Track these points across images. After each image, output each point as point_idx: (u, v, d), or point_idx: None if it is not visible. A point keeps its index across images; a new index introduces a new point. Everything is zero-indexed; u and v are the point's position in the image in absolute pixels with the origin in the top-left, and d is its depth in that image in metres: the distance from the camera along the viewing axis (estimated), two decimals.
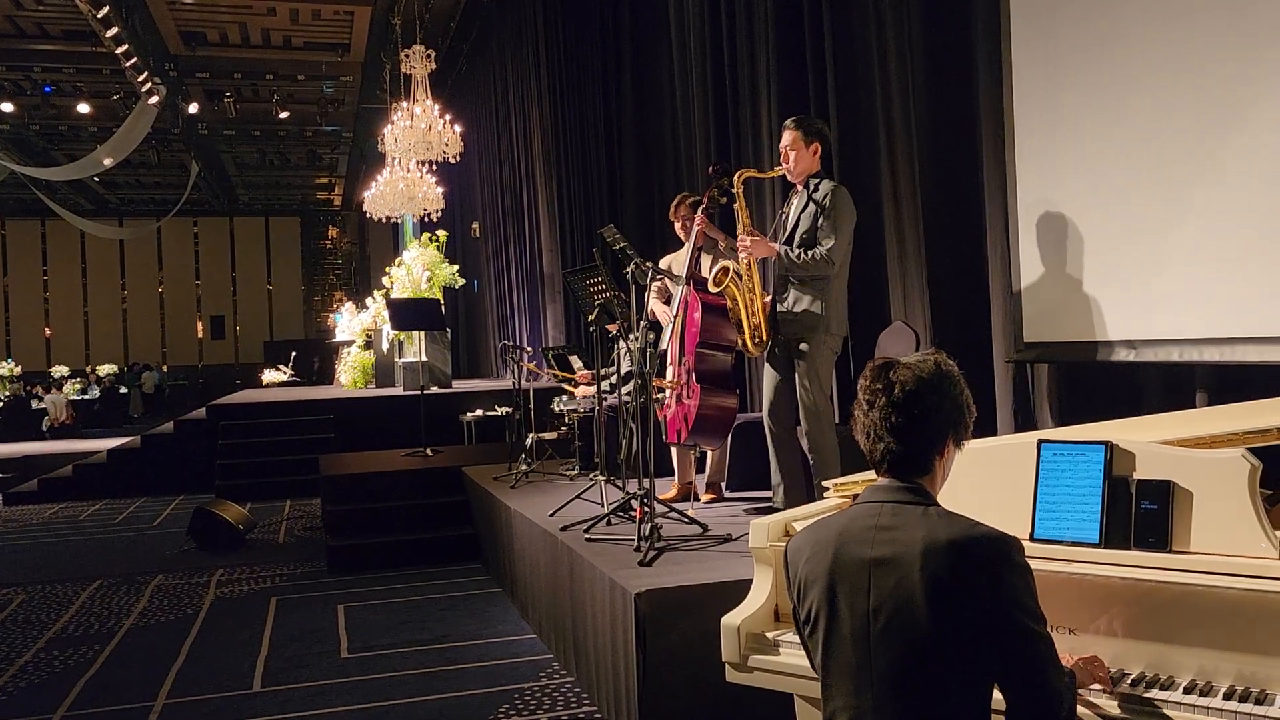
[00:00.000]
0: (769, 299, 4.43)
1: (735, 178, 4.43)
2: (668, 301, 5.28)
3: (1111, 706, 1.94)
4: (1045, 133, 4.10)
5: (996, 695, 1.77)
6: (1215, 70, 3.38)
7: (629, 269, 4.58)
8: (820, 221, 4.25)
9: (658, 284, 5.27)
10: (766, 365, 4.50)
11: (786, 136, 4.34)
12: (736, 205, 4.44)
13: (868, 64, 5.38)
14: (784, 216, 4.46)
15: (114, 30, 13.62)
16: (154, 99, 16.02)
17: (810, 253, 4.22)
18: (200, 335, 31.33)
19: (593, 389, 6.90)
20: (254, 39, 16.70)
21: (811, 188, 4.34)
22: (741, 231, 4.39)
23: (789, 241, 4.35)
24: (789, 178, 4.43)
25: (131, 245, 29.95)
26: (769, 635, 2.41)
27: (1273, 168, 3.19)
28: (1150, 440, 2.18)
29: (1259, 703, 1.83)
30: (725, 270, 4.36)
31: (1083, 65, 3.91)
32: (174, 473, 10.54)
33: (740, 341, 4.44)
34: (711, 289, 4.45)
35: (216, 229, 31.55)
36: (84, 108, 18.47)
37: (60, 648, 4.98)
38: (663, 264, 5.30)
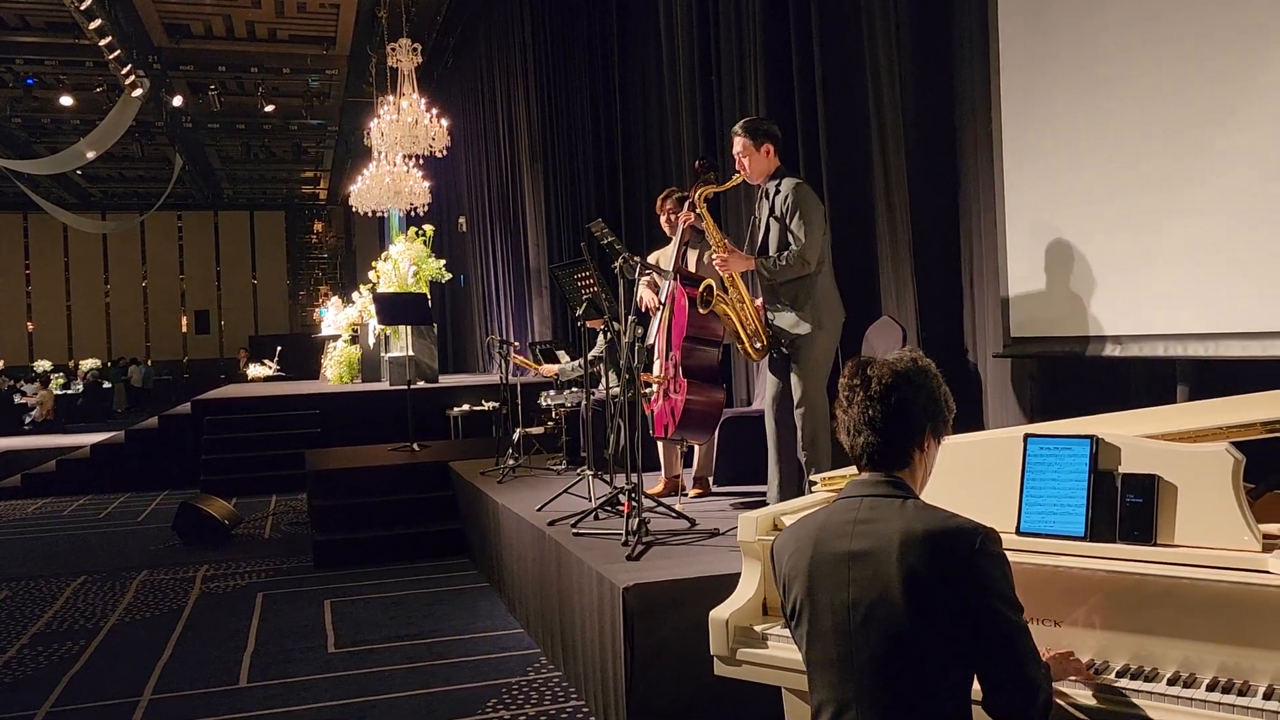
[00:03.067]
0: (759, 301, 4.43)
1: (697, 196, 4.46)
2: (657, 292, 5.28)
3: (1085, 696, 1.96)
4: (1033, 130, 4.13)
5: (977, 685, 1.79)
6: (1203, 67, 3.40)
7: (616, 264, 4.58)
8: (788, 222, 4.25)
9: (646, 277, 5.28)
10: (767, 364, 4.50)
11: (737, 144, 4.36)
12: (704, 224, 4.46)
13: (857, 61, 5.39)
14: (755, 221, 4.47)
15: (97, 22, 13.52)
16: (137, 92, 15.91)
17: (784, 255, 4.22)
18: (185, 330, 31.15)
19: (553, 369, 6.94)
20: (239, 32, 16.59)
21: (773, 190, 4.35)
22: (715, 249, 4.39)
23: (764, 248, 4.36)
24: (749, 182, 4.45)
25: (115, 239, 29.72)
26: (757, 629, 2.42)
27: (1258, 164, 3.22)
28: (1135, 434, 2.20)
29: (1241, 694, 1.85)
30: (710, 289, 4.36)
31: (1071, 63, 3.93)
32: (159, 468, 10.48)
33: (743, 351, 4.43)
34: (701, 311, 4.43)
35: (201, 223, 31.35)
36: (67, 100, 18.32)
37: (45, 643, 4.95)
38: (650, 259, 5.30)
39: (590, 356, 5.49)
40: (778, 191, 4.32)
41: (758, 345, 4.35)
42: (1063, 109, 3.97)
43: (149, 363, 28.64)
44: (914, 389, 1.87)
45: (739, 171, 4.39)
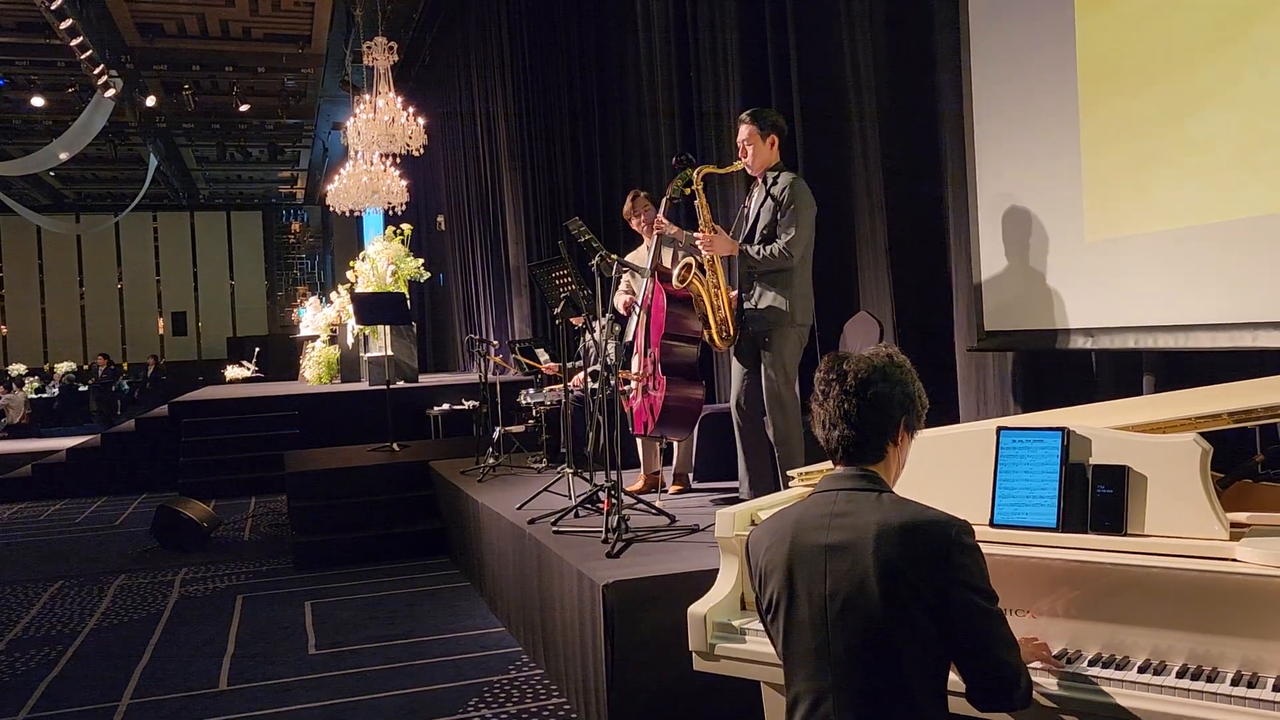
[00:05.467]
0: (735, 294, 4.46)
1: (695, 174, 4.47)
2: (632, 294, 5.29)
3: (1052, 685, 1.98)
4: (1005, 122, 4.15)
5: (953, 676, 1.81)
6: (1174, 55, 3.43)
7: (594, 261, 4.59)
8: (780, 215, 4.28)
9: (624, 287, 5.29)
10: (733, 358, 4.53)
11: (743, 130, 4.38)
12: (697, 202, 4.48)
13: (834, 56, 5.41)
14: (745, 210, 4.50)
15: (68, 22, 13.37)
16: (110, 92, 15.76)
17: (769, 248, 4.26)
18: (161, 332, 30.88)
19: (555, 366, 6.93)
20: (212, 30, 16.44)
21: (770, 181, 4.37)
22: (703, 228, 4.42)
23: (750, 236, 4.39)
24: (749, 171, 4.46)
25: (89, 241, 29.40)
26: (735, 623, 2.44)
27: (1226, 158, 3.25)
28: (1105, 426, 2.23)
29: (1210, 680, 1.88)
30: (688, 267, 4.40)
31: (1041, 50, 3.96)
32: (136, 471, 10.40)
33: (707, 335, 4.47)
34: (676, 285, 4.48)
35: (176, 223, 31.06)
36: (39, 101, 18.11)
37: (21, 649, 4.91)
38: (627, 259, 5.31)
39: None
40: (775, 183, 4.34)
41: (724, 334, 4.40)
42: (1033, 102, 4.00)
43: (124, 365, 28.38)
44: (889, 384, 1.90)
45: (742, 158, 4.40)
